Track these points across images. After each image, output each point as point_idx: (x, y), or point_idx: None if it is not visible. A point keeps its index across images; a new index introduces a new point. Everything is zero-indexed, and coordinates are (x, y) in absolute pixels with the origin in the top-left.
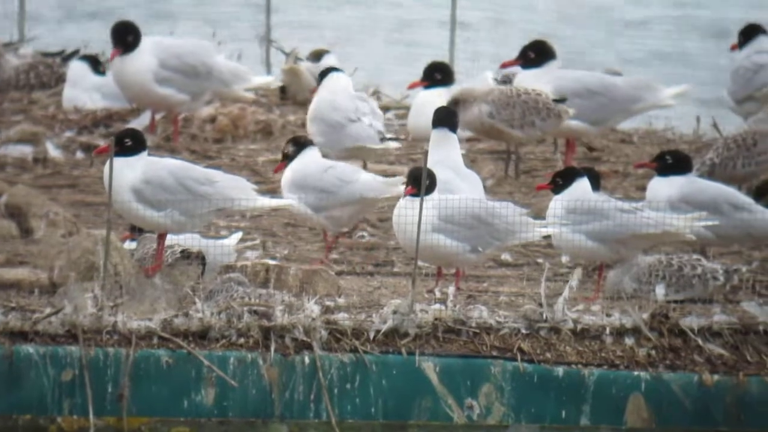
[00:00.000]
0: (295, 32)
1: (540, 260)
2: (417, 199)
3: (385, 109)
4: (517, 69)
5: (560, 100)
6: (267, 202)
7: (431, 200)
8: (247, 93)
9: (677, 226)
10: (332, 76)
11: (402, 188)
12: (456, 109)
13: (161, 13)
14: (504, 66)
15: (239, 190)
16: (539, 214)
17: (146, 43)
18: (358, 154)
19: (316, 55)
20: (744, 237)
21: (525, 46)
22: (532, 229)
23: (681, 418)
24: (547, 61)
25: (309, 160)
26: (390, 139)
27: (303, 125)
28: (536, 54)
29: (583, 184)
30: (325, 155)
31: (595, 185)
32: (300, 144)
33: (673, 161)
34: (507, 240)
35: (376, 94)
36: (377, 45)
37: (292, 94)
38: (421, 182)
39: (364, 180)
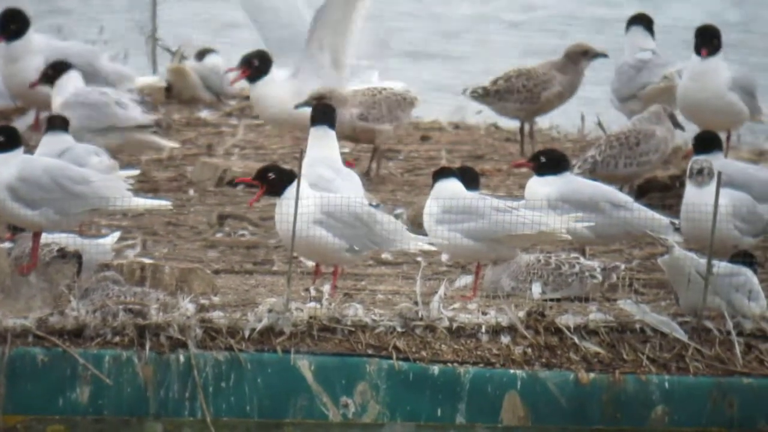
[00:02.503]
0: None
1: (419, 259)
2: (303, 195)
3: None
4: None
5: None
6: (141, 202)
7: (313, 197)
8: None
9: (552, 226)
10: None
11: None
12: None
13: (54, 9)
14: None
15: (115, 190)
16: (419, 213)
17: (35, 39)
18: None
19: (201, 54)
20: (623, 235)
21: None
22: (410, 241)
23: (557, 417)
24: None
25: None
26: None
27: (188, 123)
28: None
29: (448, 184)
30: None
31: (473, 184)
32: None
33: (547, 160)
34: (384, 246)
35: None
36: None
37: (177, 93)
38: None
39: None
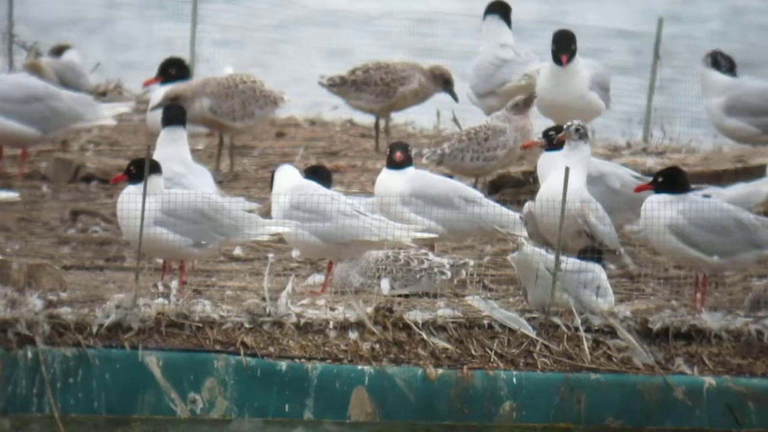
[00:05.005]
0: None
1: (270, 255)
2: (140, 191)
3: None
4: None
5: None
6: None
7: (154, 194)
8: None
9: (397, 236)
10: None
11: None
12: (185, 106)
13: None
14: None
15: None
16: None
17: None
18: None
19: (58, 51)
20: (475, 231)
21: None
22: (260, 227)
23: (405, 412)
24: None
25: None
26: None
27: None
28: None
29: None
30: None
31: (326, 182)
32: None
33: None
34: (232, 236)
35: (117, 89)
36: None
37: None
38: (142, 172)
39: None
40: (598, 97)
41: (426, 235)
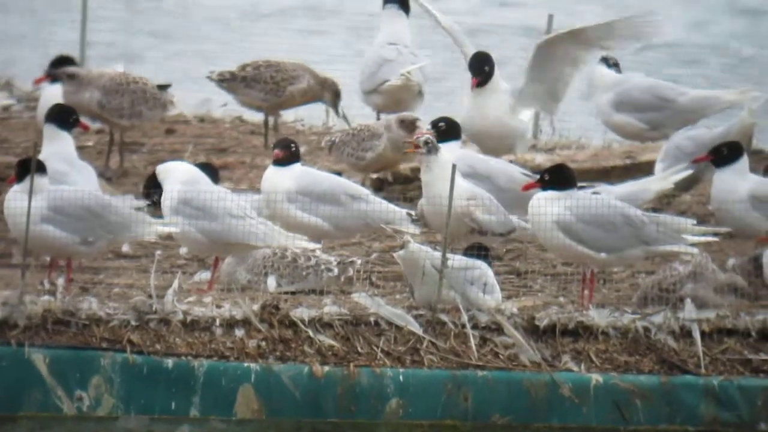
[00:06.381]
0: None
1: (158, 252)
2: (26, 190)
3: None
4: None
5: (164, 87)
6: None
7: (41, 191)
8: None
9: (281, 242)
10: None
11: None
12: (69, 108)
13: None
14: None
15: None
16: None
17: None
18: None
19: None
20: (362, 227)
21: None
22: (148, 226)
23: (291, 409)
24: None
25: None
26: None
27: None
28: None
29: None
30: None
31: (213, 179)
32: None
33: (295, 149)
34: (120, 234)
35: (9, 85)
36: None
37: None
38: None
39: None
40: (523, 123)
41: (311, 245)
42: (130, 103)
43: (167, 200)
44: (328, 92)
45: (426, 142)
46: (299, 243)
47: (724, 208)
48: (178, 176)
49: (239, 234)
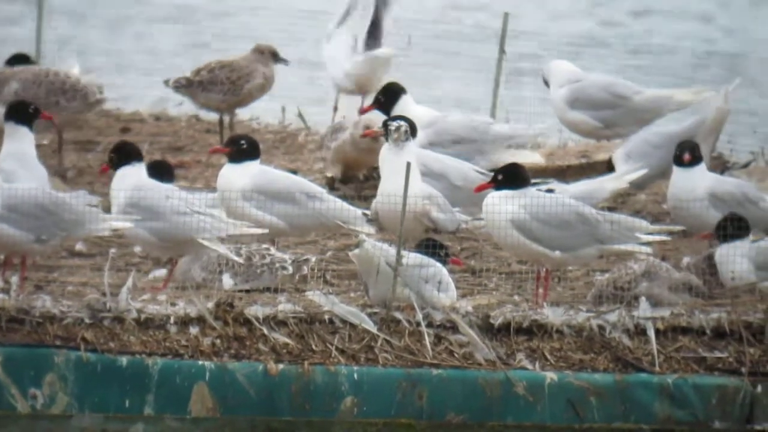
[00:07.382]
0: None
1: (113, 250)
2: None
3: None
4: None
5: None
6: None
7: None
8: None
9: (230, 231)
10: None
11: None
12: (26, 101)
13: None
14: None
15: None
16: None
17: None
18: None
19: None
20: (317, 226)
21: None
22: (102, 222)
23: (246, 407)
24: None
25: None
26: None
27: None
28: None
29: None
30: None
31: (168, 178)
32: None
33: (247, 146)
34: (74, 231)
35: None
36: None
37: None
38: None
39: None
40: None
41: (259, 231)
42: (45, 93)
43: (114, 206)
44: (269, 58)
45: (404, 129)
46: (248, 230)
47: (681, 206)
48: (127, 180)
49: (187, 230)
